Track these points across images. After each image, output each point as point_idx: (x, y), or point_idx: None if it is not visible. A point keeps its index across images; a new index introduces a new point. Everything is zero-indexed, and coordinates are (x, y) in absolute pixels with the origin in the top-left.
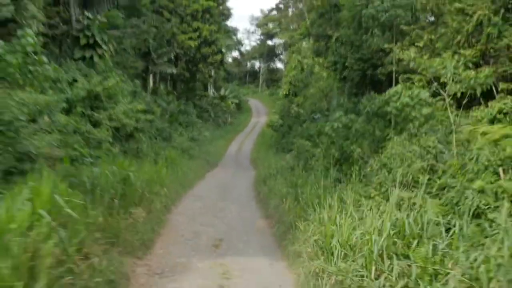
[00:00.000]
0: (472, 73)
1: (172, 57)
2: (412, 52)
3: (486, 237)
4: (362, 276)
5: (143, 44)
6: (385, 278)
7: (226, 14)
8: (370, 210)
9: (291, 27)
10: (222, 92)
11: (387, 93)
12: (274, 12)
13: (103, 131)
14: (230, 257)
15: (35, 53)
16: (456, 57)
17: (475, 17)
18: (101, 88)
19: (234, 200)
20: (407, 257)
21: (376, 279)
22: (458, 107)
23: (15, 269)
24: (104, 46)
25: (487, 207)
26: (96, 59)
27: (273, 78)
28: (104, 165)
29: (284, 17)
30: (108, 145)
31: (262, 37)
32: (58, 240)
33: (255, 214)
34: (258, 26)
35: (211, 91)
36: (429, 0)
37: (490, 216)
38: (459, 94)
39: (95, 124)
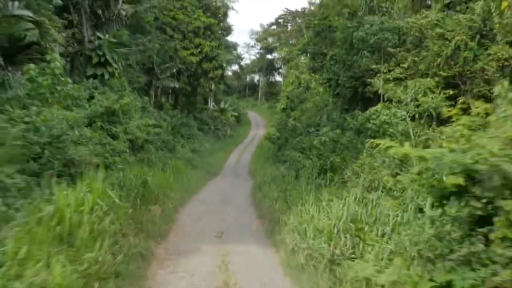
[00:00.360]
0: (428, 99)
1: (175, 72)
2: (381, 79)
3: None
4: (324, 248)
5: (147, 60)
6: (340, 248)
7: (227, 31)
8: (338, 205)
9: (290, 42)
10: (222, 105)
11: (368, 111)
12: (274, 27)
13: (121, 143)
14: (229, 245)
15: (61, 74)
16: (417, 84)
17: (453, 42)
18: (118, 105)
19: (233, 205)
20: (358, 236)
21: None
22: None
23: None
24: (114, 65)
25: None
26: (106, 76)
27: (272, 91)
28: (128, 171)
29: (283, 32)
30: (126, 155)
31: (261, 51)
32: (110, 220)
33: (251, 216)
34: (258, 40)
35: (211, 104)
36: (414, 25)
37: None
38: (417, 115)
39: (113, 136)
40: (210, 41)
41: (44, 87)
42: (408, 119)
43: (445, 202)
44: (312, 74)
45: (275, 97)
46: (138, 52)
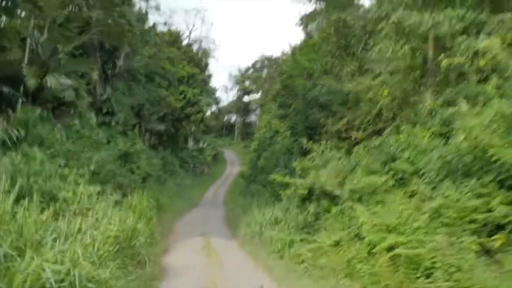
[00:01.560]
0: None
1: (161, 115)
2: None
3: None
4: (258, 230)
5: (137, 104)
6: (265, 228)
7: (207, 80)
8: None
9: (265, 86)
10: (200, 144)
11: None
12: (251, 70)
13: (136, 176)
14: (210, 238)
15: (93, 126)
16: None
17: (378, 105)
18: (133, 149)
19: (211, 222)
20: (275, 224)
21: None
22: None
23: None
24: (119, 114)
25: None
26: (113, 123)
27: (247, 131)
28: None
29: (258, 78)
30: (140, 184)
31: (239, 93)
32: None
33: (223, 227)
34: (236, 83)
35: (190, 143)
36: (352, 89)
37: None
38: None
39: (131, 171)
40: (193, 88)
41: (86, 136)
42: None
43: (303, 203)
44: (280, 120)
45: (250, 136)
46: (131, 98)
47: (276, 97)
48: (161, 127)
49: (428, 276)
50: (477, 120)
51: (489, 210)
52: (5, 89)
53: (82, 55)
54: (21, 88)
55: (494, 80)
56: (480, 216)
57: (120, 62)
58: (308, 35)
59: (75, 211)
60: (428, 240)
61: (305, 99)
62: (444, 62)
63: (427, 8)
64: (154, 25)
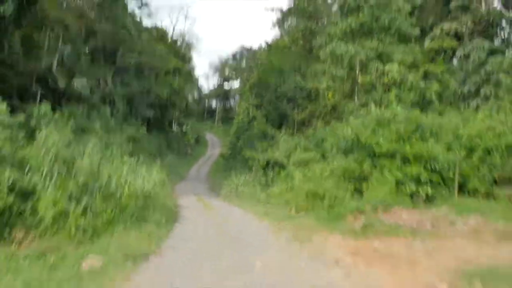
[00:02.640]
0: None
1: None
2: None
3: None
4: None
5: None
6: (240, 186)
7: (190, 72)
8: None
9: (244, 76)
10: (183, 128)
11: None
12: (231, 60)
13: (145, 155)
14: (201, 196)
15: (107, 117)
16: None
17: (329, 103)
18: (140, 134)
19: (199, 190)
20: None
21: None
22: None
23: None
24: (119, 104)
25: None
26: (114, 112)
27: (228, 115)
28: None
29: (238, 67)
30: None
31: (219, 80)
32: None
33: (208, 191)
34: (216, 70)
35: (175, 127)
36: (314, 86)
37: None
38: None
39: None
40: (178, 79)
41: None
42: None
43: (264, 170)
44: (256, 108)
45: (230, 120)
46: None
47: (252, 88)
48: (150, 113)
49: (322, 201)
50: (357, 121)
51: (361, 170)
52: (35, 89)
53: (89, 55)
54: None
55: (393, 91)
56: (356, 173)
57: (117, 60)
58: (281, 35)
59: None
60: (326, 184)
61: (276, 93)
62: (361, 78)
63: (353, 41)
64: (146, 28)
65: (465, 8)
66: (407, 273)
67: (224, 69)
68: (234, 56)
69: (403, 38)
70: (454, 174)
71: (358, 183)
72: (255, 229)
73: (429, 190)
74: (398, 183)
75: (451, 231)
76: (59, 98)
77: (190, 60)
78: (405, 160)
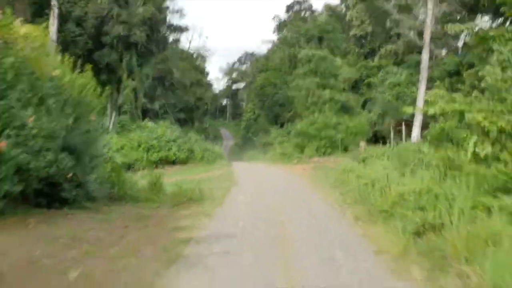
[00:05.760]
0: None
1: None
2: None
3: None
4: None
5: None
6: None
7: (209, 83)
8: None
9: (249, 79)
10: (204, 125)
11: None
12: (237, 64)
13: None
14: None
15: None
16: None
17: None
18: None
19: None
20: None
21: None
22: None
23: None
24: (156, 107)
25: None
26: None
27: (236, 112)
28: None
29: (243, 72)
30: None
31: (228, 82)
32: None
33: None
34: (225, 74)
35: (196, 124)
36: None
37: None
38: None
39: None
40: (199, 87)
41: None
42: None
43: (265, 148)
44: (260, 108)
45: (239, 116)
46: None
47: (256, 92)
48: (181, 115)
49: (286, 156)
50: (304, 121)
51: (302, 143)
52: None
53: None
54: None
55: (327, 104)
56: (300, 144)
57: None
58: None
59: None
60: (288, 149)
61: (272, 99)
62: (311, 98)
63: (307, 77)
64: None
65: (398, 36)
66: (300, 169)
67: (232, 72)
68: (239, 60)
69: (333, 75)
70: (338, 145)
71: (300, 149)
72: (270, 169)
73: (328, 150)
74: (317, 148)
75: (331, 161)
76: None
77: (208, 74)
78: (320, 138)
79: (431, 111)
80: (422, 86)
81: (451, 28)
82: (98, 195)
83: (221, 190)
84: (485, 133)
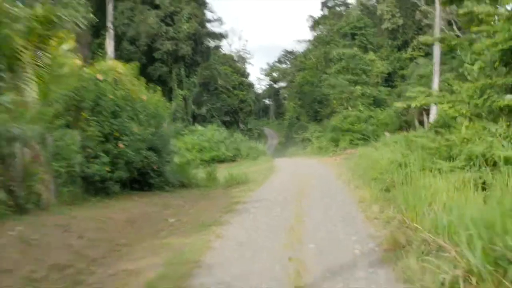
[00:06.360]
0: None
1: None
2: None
3: None
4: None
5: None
6: None
7: (251, 85)
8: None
9: (289, 78)
10: (248, 126)
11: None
12: (277, 64)
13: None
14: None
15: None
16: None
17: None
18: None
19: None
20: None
21: None
22: None
23: None
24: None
25: None
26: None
27: (279, 111)
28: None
29: (283, 71)
30: None
31: (270, 82)
32: None
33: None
34: (266, 75)
35: (241, 125)
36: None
37: None
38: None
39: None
40: (242, 91)
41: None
42: None
43: (306, 143)
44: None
45: (282, 115)
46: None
47: (296, 90)
48: (227, 118)
49: (322, 149)
50: (338, 116)
51: (337, 136)
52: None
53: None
54: None
55: (359, 100)
56: (335, 138)
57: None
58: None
59: None
60: (325, 143)
61: (311, 97)
62: (343, 94)
63: (340, 75)
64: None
65: (429, 27)
66: (332, 159)
67: (272, 72)
68: (279, 59)
69: (364, 72)
70: (369, 136)
71: (335, 142)
72: (305, 161)
73: (361, 142)
74: (350, 140)
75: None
76: (193, 118)
77: (249, 75)
78: (353, 131)
79: (413, 105)
80: (436, 79)
81: (425, 40)
82: (173, 182)
83: (263, 177)
84: (453, 119)
